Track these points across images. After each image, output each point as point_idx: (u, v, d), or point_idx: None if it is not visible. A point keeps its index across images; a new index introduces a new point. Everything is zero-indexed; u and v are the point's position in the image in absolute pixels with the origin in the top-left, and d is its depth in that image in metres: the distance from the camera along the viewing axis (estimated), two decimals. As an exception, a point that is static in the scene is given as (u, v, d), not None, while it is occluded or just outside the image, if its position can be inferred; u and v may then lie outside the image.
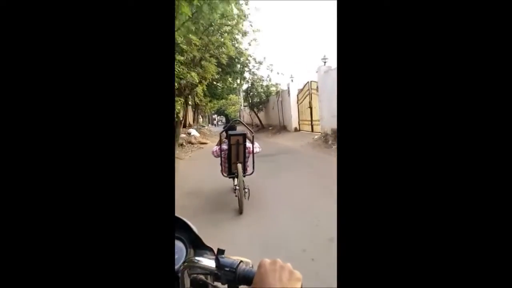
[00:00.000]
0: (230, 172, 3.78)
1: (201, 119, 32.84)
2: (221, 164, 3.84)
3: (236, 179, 3.75)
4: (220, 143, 3.86)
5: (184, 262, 0.62)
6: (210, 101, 23.39)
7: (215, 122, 41.44)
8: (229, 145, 3.67)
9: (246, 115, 28.37)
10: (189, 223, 0.69)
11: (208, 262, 0.60)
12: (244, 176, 3.67)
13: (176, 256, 0.63)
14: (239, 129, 4.28)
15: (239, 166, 3.62)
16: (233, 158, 3.70)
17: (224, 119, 46.12)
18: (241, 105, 32.05)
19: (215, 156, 3.98)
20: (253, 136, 3.82)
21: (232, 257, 0.58)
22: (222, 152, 3.76)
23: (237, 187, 3.57)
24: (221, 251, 0.58)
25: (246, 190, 3.61)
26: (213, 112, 46.93)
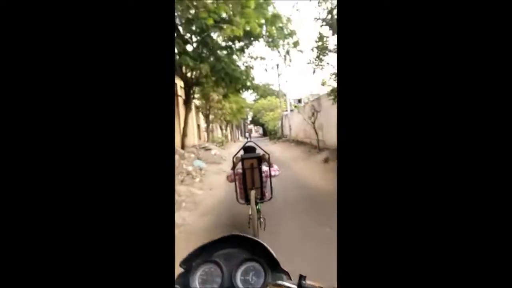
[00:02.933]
0: (248, 198, 3.34)
1: (221, 131, 21.12)
2: (236, 190, 3.48)
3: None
4: (233, 167, 3.41)
5: (265, 285, 0.68)
6: (225, 97, 11.55)
7: (247, 134, 29.68)
8: (243, 169, 3.31)
9: (299, 125, 15.76)
10: (267, 246, 0.72)
11: (290, 286, 0.64)
12: (261, 202, 3.42)
13: (255, 279, 0.70)
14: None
15: (253, 193, 3.20)
16: (248, 183, 3.33)
17: (261, 130, 34.65)
18: (286, 110, 20.17)
19: (229, 181, 3.56)
20: (268, 157, 3.41)
21: (311, 282, 0.62)
22: (237, 177, 3.40)
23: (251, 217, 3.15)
24: (303, 277, 0.62)
25: (262, 220, 3.35)
26: (247, 121, 35.81)
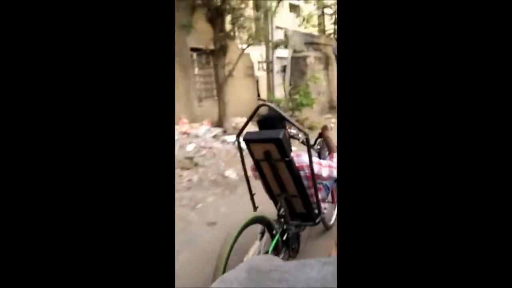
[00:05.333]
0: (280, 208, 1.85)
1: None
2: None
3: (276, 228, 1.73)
4: (241, 152, 1.89)
5: None
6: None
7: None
8: (254, 161, 1.79)
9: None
10: None
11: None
12: (302, 229, 1.94)
13: None
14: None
15: (282, 202, 1.80)
16: (272, 185, 1.82)
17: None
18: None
19: (255, 179, 2.01)
20: (307, 139, 1.69)
21: None
22: (253, 172, 1.93)
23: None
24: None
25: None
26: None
